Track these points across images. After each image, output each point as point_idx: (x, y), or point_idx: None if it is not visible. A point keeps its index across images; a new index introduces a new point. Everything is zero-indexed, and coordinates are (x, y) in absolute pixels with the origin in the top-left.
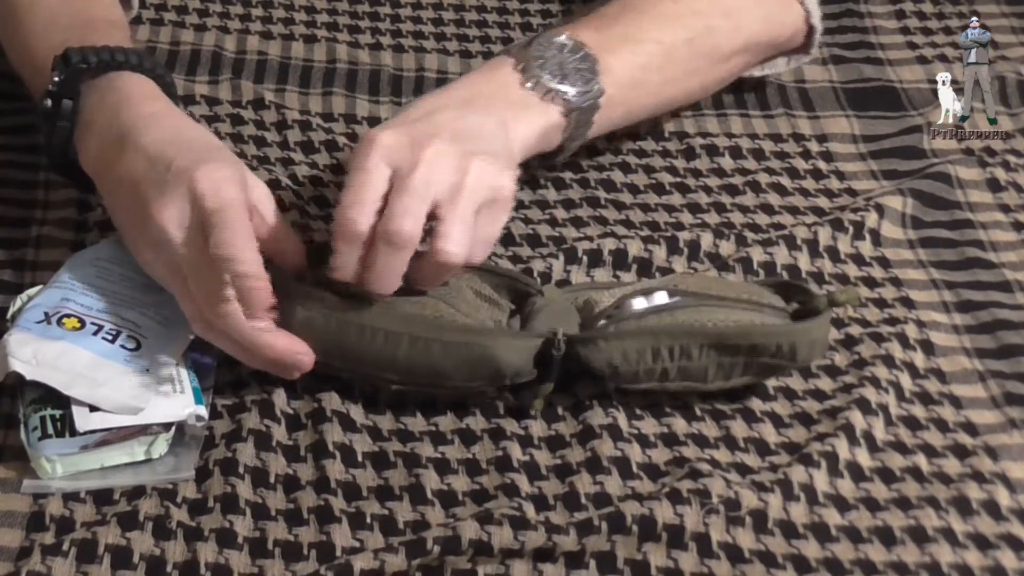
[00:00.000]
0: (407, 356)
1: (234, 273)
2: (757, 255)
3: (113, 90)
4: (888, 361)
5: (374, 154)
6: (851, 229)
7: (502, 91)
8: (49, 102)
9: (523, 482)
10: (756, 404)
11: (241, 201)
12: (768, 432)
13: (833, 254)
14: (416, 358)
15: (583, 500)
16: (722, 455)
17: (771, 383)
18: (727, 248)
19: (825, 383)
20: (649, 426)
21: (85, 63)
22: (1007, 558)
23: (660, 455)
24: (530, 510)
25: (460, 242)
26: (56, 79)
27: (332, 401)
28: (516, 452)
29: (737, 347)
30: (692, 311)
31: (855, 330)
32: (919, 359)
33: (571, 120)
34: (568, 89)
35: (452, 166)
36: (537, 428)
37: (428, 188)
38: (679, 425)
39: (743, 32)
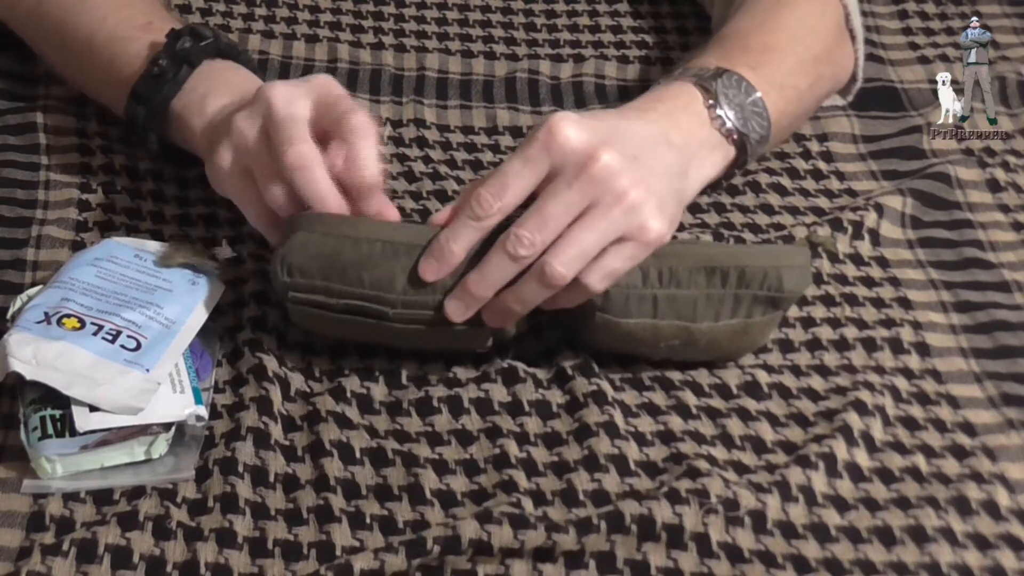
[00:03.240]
0: (405, 268)
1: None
2: None
3: (238, 72)
4: (879, 370)
5: (540, 146)
6: (850, 229)
7: (695, 127)
8: (164, 62)
9: (521, 478)
10: (751, 404)
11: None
12: (765, 431)
13: (831, 254)
14: (415, 269)
15: (581, 497)
16: (719, 452)
17: (764, 380)
18: None
19: (817, 382)
20: (645, 424)
21: (216, 39)
22: (1006, 558)
23: (658, 453)
24: (528, 505)
25: (567, 263)
26: (187, 45)
27: (326, 403)
28: (513, 449)
29: (726, 273)
30: (678, 243)
31: (851, 332)
32: (914, 361)
33: (740, 159)
34: (750, 131)
35: (611, 187)
36: (533, 425)
37: (571, 209)
38: (675, 423)
39: (837, 77)
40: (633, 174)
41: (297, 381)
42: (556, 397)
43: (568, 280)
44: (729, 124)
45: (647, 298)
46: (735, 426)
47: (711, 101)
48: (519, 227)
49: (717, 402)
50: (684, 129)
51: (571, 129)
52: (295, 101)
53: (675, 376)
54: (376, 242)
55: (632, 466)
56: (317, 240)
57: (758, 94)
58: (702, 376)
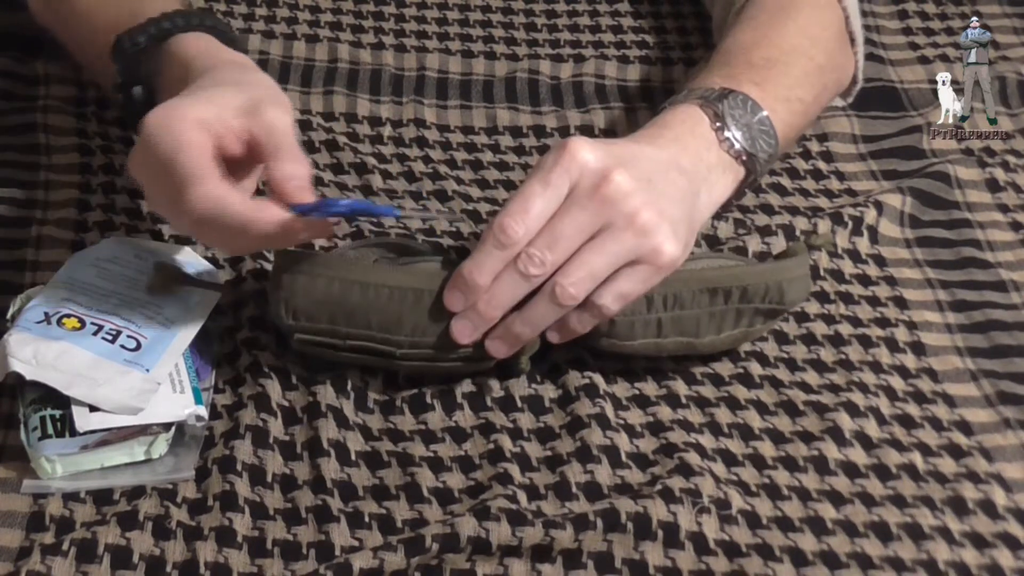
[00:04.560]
0: (413, 312)
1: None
2: (754, 244)
3: (174, 64)
4: (875, 367)
5: (560, 169)
6: (850, 224)
7: (703, 151)
8: (120, 96)
9: (516, 471)
10: (741, 392)
11: (186, 140)
12: (752, 418)
13: (830, 248)
14: (422, 312)
15: (574, 490)
16: (707, 440)
17: (757, 372)
18: (725, 231)
19: (812, 377)
20: (635, 416)
21: (136, 46)
22: (1004, 557)
23: (647, 444)
24: (523, 499)
25: (577, 283)
26: (119, 70)
27: (327, 395)
28: (507, 444)
29: (728, 292)
30: (681, 268)
31: (845, 329)
32: (909, 360)
33: (750, 178)
34: (758, 151)
35: (622, 208)
36: (526, 421)
37: (583, 229)
38: (664, 413)
39: (840, 84)
40: (645, 196)
41: (298, 370)
42: (548, 391)
43: (579, 300)
44: (737, 145)
45: (652, 322)
46: (723, 414)
47: (718, 123)
48: (530, 245)
49: (708, 390)
50: (692, 153)
51: (586, 150)
52: (184, 133)
53: (668, 366)
54: (383, 287)
55: (624, 457)
56: (322, 284)
57: (764, 112)
58: (696, 366)
